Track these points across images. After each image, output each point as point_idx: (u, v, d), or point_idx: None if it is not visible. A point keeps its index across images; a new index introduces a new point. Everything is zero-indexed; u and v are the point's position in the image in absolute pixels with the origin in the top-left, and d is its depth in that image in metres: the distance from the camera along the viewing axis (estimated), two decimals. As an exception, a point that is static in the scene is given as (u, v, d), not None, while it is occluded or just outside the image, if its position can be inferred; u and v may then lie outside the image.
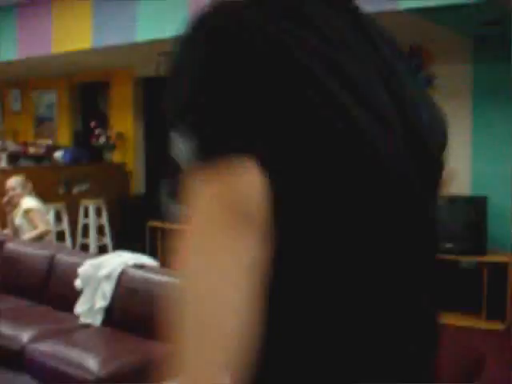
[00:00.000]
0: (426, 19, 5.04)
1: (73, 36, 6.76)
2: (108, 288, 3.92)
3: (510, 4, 4.40)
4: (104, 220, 8.19)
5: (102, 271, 3.97)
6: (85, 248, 7.88)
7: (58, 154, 8.94)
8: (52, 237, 5.99)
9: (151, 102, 8.93)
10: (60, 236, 7.60)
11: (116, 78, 9.01)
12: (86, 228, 8.17)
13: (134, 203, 8.70)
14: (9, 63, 7.85)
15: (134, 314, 3.75)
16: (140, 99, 8.90)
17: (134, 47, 6.46)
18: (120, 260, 4.06)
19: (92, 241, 8.04)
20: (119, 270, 3.95)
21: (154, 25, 5.91)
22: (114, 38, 6.29)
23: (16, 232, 5.72)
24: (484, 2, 4.39)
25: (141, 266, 3.99)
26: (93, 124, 8.91)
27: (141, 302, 3.72)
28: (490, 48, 5.68)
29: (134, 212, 8.52)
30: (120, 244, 7.95)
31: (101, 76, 9.14)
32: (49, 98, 10.01)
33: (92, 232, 8.07)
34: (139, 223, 8.06)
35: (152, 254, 7.31)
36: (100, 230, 8.23)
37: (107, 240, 8.16)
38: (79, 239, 8.14)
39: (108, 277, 3.94)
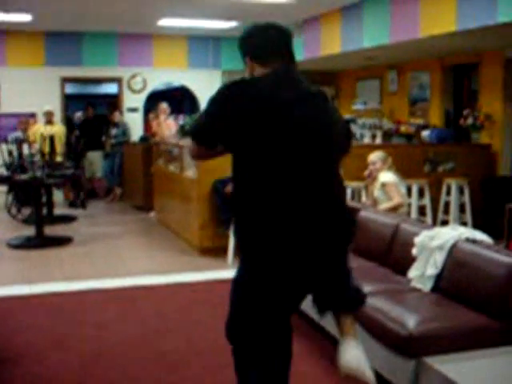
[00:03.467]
0: None
1: (439, 20, 7.03)
2: (440, 257, 4.17)
3: None
4: (466, 199, 8.34)
5: (435, 242, 4.25)
6: (445, 224, 8.12)
7: (425, 134, 9.31)
8: (406, 209, 6.38)
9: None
10: (421, 211, 8.00)
11: (486, 59, 9.01)
12: (447, 205, 8.43)
13: (497, 184, 8.66)
14: (383, 47, 8.46)
15: (461, 284, 3.95)
16: (509, 81, 8.77)
17: (500, 28, 6.45)
18: (454, 233, 4.26)
19: (452, 218, 8.27)
20: (452, 242, 4.17)
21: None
22: (477, 20, 6.38)
23: (375, 203, 6.28)
24: None
25: (473, 241, 4.14)
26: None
27: (468, 274, 3.90)
28: None
29: (497, 193, 8.49)
30: (480, 223, 8.04)
31: (471, 57, 9.23)
32: (423, 79, 10.43)
33: (453, 209, 8.30)
34: (501, 205, 8.00)
35: (510, 235, 7.27)
36: (461, 208, 8.42)
37: (467, 218, 8.31)
38: (440, 215, 8.45)
39: (441, 247, 4.19)
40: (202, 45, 12.51)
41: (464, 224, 8.13)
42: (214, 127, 2.54)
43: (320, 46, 9.80)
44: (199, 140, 2.62)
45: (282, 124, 2.45)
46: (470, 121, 8.95)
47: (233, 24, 10.66)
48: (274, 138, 2.45)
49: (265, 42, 2.63)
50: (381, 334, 3.69)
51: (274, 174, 2.48)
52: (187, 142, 2.78)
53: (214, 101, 2.54)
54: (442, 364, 3.30)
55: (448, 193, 8.41)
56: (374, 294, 4.12)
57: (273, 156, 2.47)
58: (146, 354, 4.43)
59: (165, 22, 10.59)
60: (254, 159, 2.51)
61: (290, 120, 2.47)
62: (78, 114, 13.73)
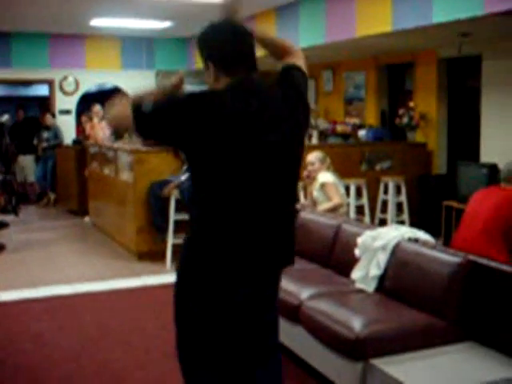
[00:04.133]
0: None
1: (374, 20, 7.07)
2: (383, 258, 4.16)
3: None
4: (403, 197, 8.43)
5: (378, 242, 4.23)
6: (383, 223, 8.19)
7: (361, 133, 9.39)
8: (346, 209, 6.38)
9: (454, 82, 8.88)
10: (359, 210, 8.03)
11: (420, 58, 9.15)
12: (385, 204, 8.51)
13: (433, 182, 8.80)
14: (319, 47, 8.46)
15: (405, 284, 3.94)
16: (443, 80, 8.93)
17: (434, 28, 6.52)
18: (396, 233, 4.26)
19: (390, 216, 8.34)
20: (394, 242, 4.16)
21: (450, 6, 5.92)
22: (412, 20, 6.43)
23: (314, 204, 6.25)
24: None
25: (416, 240, 4.14)
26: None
27: (412, 273, 3.90)
28: None
29: (433, 191, 8.63)
30: (417, 221, 8.14)
31: (405, 57, 9.36)
32: (358, 79, 10.51)
33: (391, 208, 8.38)
34: (437, 202, 8.12)
35: (446, 232, 7.39)
36: (398, 207, 8.50)
37: (405, 216, 8.40)
38: (378, 214, 8.51)
39: (384, 248, 4.18)
40: (135, 45, 12.27)
41: (401, 222, 8.22)
42: (175, 122, 2.25)
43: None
44: (140, 124, 2.29)
45: (249, 138, 2.29)
46: (405, 120, 9.06)
47: (167, 24, 10.50)
48: (241, 153, 2.28)
49: (230, 47, 2.39)
50: (327, 337, 3.65)
51: (236, 189, 2.31)
52: (122, 107, 2.32)
53: (189, 99, 2.28)
54: (389, 365, 3.29)
55: (385, 191, 8.49)
56: (317, 297, 4.08)
57: (235, 171, 2.30)
58: (87, 365, 4.27)
59: (97, 22, 10.34)
60: (216, 174, 2.30)
61: (258, 137, 2.30)
62: (6, 117, 13.27)
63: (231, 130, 2.24)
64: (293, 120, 2.43)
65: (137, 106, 2.26)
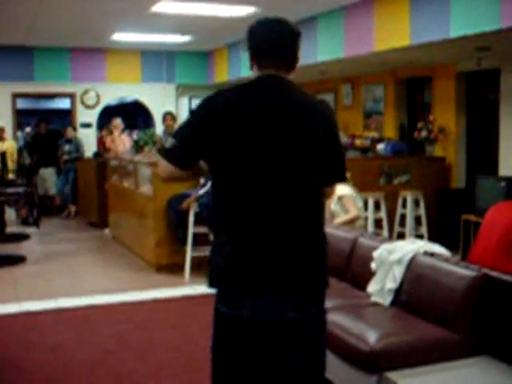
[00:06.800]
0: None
1: (393, 34, 7.10)
2: (398, 271, 4.17)
3: None
4: (422, 211, 8.42)
5: (394, 256, 4.25)
6: (401, 237, 8.18)
7: (380, 147, 9.40)
8: (363, 222, 6.40)
9: (473, 96, 8.87)
10: (378, 224, 8.03)
11: (438, 72, 9.16)
12: (403, 218, 8.49)
13: (452, 196, 8.77)
14: (337, 61, 8.50)
15: (420, 297, 3.95)
16: (462, 94, 8.92)
17: (452, 42, 6.54)
18: (412, 246, 4.27)
19: (408, 230, 8.33)
20: (410, 255, 4.17)
21: (467, 21, 5.95)
22: (430, 34, 6.46)
23: (332, 217, 6.27)
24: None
25: (431, 254, 4.15)
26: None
27: (427, 287, 3.90)
28: None
29: (452, 205, 8.60)
30: (435, 235, 8.12)
31: (424, 71, 9.37)
32: (376, 92, 10.53)
33: (409, 222, 8.36)
34: (456, 216, 8.09)
35: (465, 246, 7.36)
36: (417, 221, 8.49)
37: (423, 230, 8.38)
38: (396, 228, 8.50)
39: (399, 261, 4.19)
40: (156, 59, 12.41)
41: (420, 236, 8.20)
42: (187, 143, 2.36)
43: (275, 60, 9.80)
44: (171, 158, 2.38)
45: (246, 130, 2.31)
46: (423, 134, 9.06)
47: (187, 38, 10.61)
48: (240, 145, 2.30)
49: (260, 40, 2.49)
50: (342, 349, 3.66)
51: (241, 184, 2.31)
52: (159, 162, 2.46)
53: (187, 119, 2.45)
54: (404, 378, 3.29)
55: (404, 205, 8.48)
56: (333, 310, 4.09)
57: (237, 166, 2.31)
58: (103, 376, 4.32)
59: (118, 37, 10.49)
60: (225, 172, 2.34)
61: (254, 126, 2.31)
62: (28, 129, 13.46)
63: (230, 127, 2.31)
64: (304, 131, 2.35)
65: (161, 149, 2.45)
